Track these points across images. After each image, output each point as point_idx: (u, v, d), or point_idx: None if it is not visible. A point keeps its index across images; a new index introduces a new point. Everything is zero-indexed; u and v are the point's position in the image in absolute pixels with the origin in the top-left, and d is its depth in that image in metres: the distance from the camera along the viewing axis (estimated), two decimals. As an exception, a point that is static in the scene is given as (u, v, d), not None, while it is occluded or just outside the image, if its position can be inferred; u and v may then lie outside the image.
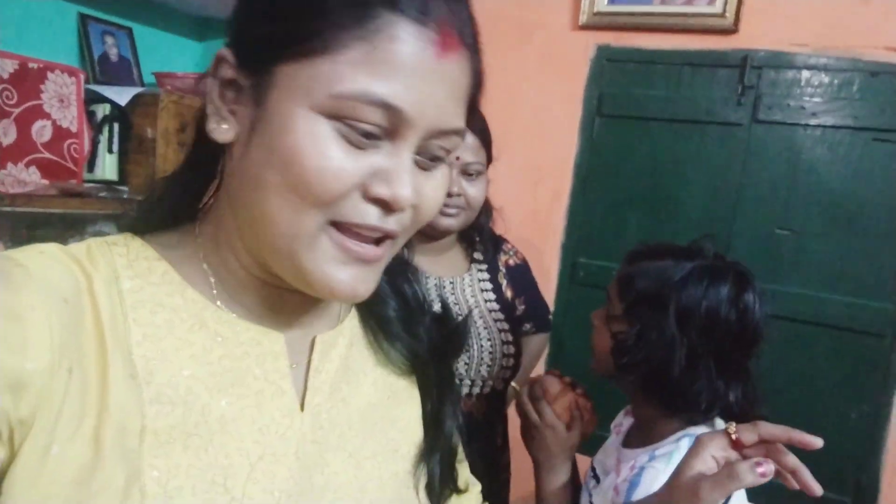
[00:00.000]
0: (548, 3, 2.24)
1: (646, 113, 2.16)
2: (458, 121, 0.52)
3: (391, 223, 0.51)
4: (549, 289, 2.24)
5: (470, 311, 1.27)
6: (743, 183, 2.05)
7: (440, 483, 0.68)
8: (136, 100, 1.88)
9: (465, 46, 0.50)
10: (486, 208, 1.54)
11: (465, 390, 1.38)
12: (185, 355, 0.52)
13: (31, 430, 0.43)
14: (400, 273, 0.71)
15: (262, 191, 0.50)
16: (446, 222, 1.34)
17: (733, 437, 0.67)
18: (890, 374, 1.88)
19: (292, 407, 0.57)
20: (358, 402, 0.63)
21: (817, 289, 1.96)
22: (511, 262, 1.60)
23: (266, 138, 0.49)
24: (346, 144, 0.48)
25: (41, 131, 1.66)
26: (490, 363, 1.39)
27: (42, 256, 0.48)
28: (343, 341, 0.64)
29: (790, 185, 1.99)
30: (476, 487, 0.81)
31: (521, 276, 1.61)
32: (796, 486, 0.65)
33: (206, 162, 0.59)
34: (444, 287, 1.41)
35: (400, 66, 0.46)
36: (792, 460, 0.66)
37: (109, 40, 2.05)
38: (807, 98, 1.97)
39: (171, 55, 2.33)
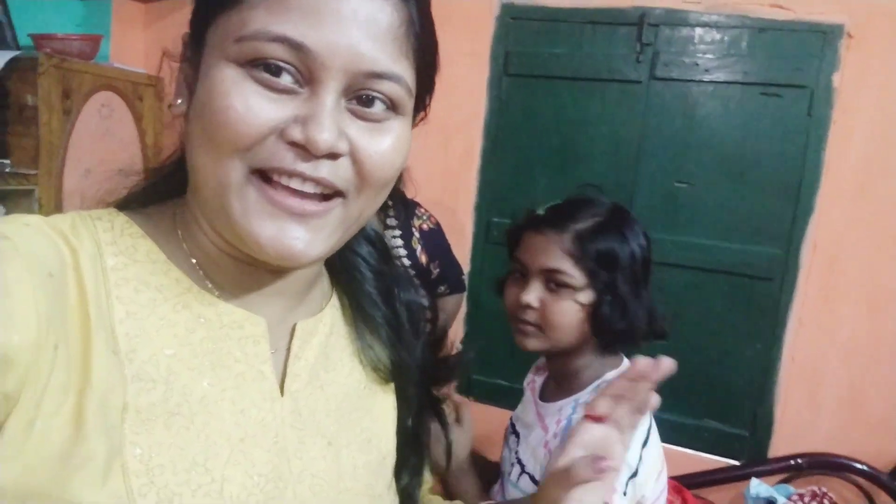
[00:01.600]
0: (450, -40, 2.21)
1: (550, 72, 2.19)
2: (388, 64, 0.50)
3: (322, 171, 0.49)
4: (463, 248, 2.26)
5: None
6: (643, 138, 2.12)
7: (411, 488, 0.71)
8: (12, 65, 1.73)
9: None
10: (398, 172, 1.53)
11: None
12: (168, 335, 0.52)
13: (17, 405, 0.42)
14: (397, 284, 0.71)
15: (191, 148, 0.51)
16: None
17: (591, 415, 0.67)
18: (779, 314, 2.03)
19: (272, 392, 0.57)
20: (335, 391, 0.63)
21: (713, 237, 2.08)
22: (425, 226, 1.61)
23: (195, 98, 0.51)
24: (262, 89, 0.48)
25: None
26: (407, 327, 1.40)
27: (27, 229, 0.47)
28: (323, 329, 0.64)
29: (686, 140, 2.08)
30: (427, 484, 0.82)
31: (435, 240, 1.63)
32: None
33: None
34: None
35: (299, 5, 0.47)
36: (647, 403, 0.67)
37: (-24, 0, 1.87)
38: (700, 55, 2.05)
39: (49, 15, 2.15)
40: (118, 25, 2.25)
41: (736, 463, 2.08)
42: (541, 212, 1.14)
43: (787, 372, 2.04)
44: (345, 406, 0.64)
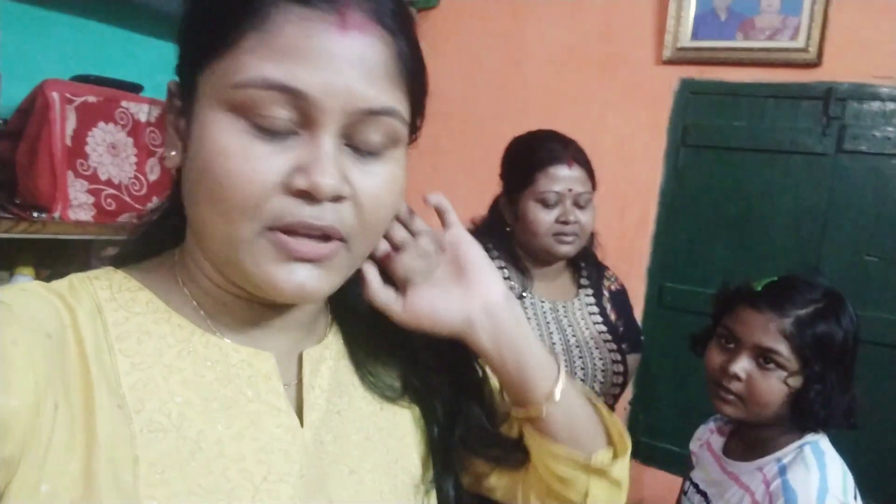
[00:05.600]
0: (632, 39, 2.35)
1: (730, 143, 2.24)
2: (383, 100, 0.50)
3: (327, 218, 0.49)
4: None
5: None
6: (829, 211, 2.10)
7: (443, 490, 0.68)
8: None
9: (379, 26, 0.50)
10: (591, 235, 1.66)
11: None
12: (176, 381, 0.51)
13: (19, 470, 0.41)
14: None
15: (196, 206, 0.51)
16: (564, 249, 1.47)
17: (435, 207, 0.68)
18: None
19: (292, 424, 0.56)
20: (353, 415, 0.62)
21: (908, 314, 2.00)
22: (613, 287, 1.71)
23: (193, 151, 0.50)
24: (261, 142, 0.47)
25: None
26: (602, 380, 1.50)
27: (24, 294, 0.48)
28: (330, 354, 0.63)
29: (878, 213, 2.04)
30: None
31: (622, 300, 1.72)
32: None
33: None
34: (559, 311, 1.53)
35: (293, 49, 0.46)
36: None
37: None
38: (892, 129, 2.02)
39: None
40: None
41: (935, 558, 1.93)
42: (758, 288, 1.17)
43: None
44: (365, 429, 0.63)
